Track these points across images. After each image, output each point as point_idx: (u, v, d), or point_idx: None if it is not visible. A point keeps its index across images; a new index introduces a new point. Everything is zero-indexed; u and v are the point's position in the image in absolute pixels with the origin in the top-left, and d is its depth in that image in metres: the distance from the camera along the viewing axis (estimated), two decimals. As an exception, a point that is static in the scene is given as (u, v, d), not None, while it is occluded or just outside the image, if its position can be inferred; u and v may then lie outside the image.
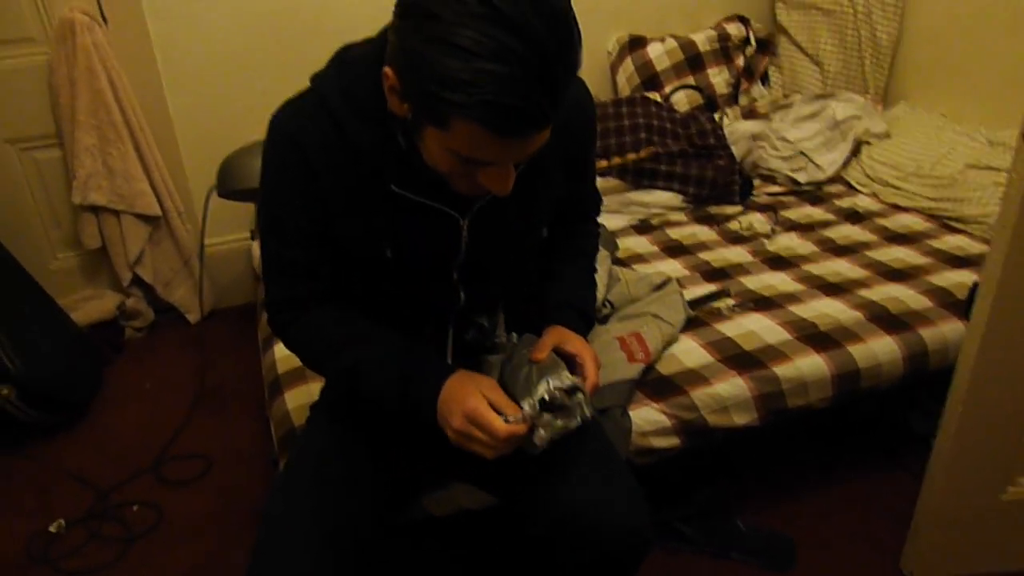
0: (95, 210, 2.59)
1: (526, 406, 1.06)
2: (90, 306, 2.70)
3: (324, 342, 1.20)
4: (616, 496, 1.18)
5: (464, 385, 1.09)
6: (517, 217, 1.18)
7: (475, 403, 1.06)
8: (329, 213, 1.11)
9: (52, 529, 1.93)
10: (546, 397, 1.06)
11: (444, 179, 1.03)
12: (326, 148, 1.08)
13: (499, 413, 1.05)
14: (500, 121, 0.88)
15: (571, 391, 1.08)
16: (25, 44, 2.44)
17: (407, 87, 0.92)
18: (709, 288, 2.05)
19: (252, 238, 2.73)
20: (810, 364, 1.73)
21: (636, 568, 1.21)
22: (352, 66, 1.07)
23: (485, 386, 1.09)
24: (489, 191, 1.01)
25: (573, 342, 1.19)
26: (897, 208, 2.50)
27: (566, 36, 0.89)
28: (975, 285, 1.58)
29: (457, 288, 1.20)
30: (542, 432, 1.06)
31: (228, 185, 2.20)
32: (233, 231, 2.84)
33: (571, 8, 0.91)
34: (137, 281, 2.74)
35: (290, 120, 1.10)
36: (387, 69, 0.95)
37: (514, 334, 1.28)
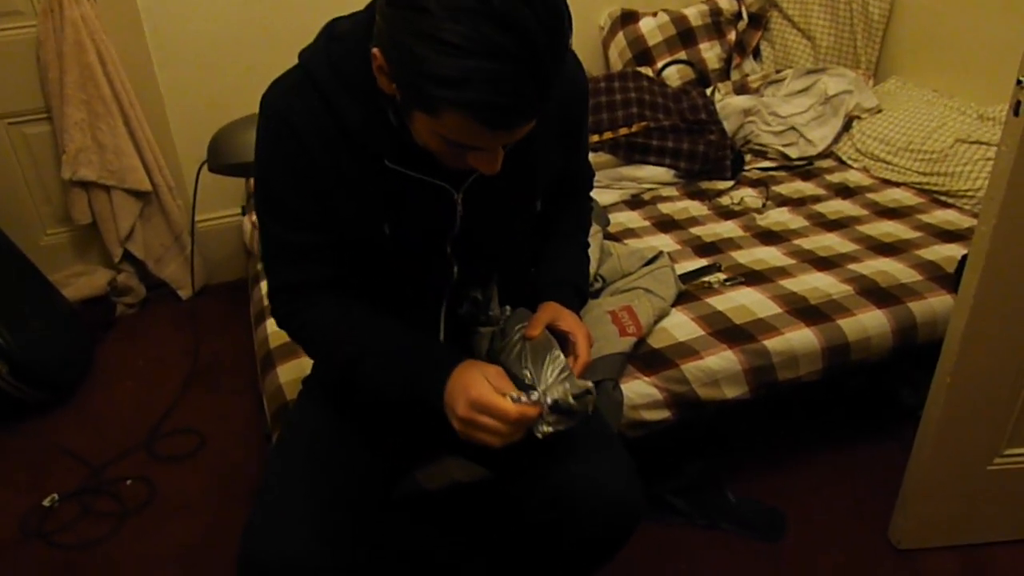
0: (85, 185, 2.58)
1: (535, 397, 1.06)
2: (81, 282, 2.69)
3: (327, 337, 1.19)
4: (609, 470, 1.19)
5: (470, 374, 1.08)
6: (511, 190, 1.17)
7: (480, 390, 1.05)
8: (325, 191, 1.10)
9: (45, 503, 1.94)
10: (559, 400, 1.05)
11: (436, 158, 1.03)
12: (317, 126, 1.07)
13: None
14: (490, 116, 0.88)
15: (585, 394, 1.07)
16: (12, 18, 2.41)
17: (396, 74, 0.92)
18: (700, 262, 2.05)
19: (243, 213, 2.72)
20: (800, 337, 1.74)
21: (625, 541, 1.22)
22: (340, 41, 1.06)
23: (491, 374, 1.08)
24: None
25: (567, 319, 1.19)
26: (887, 183, 2.51)
27: (557, 26, 0.88)
28: (963, 258, 1.59)
29: (451, 262, 1.20)
30: (546, 428, 1.06)
31: (219, 160, 2.20)
32: (224, 206, 2.83)
33: None
34: (128, 257, 2.74)
35: (280, 98, 1.09)
36: (375, 50, 0.94)
37: (507, 307, 1.28)
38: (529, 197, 1.24)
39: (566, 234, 1.38)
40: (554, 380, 1.08)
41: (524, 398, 1.05)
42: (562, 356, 1.10)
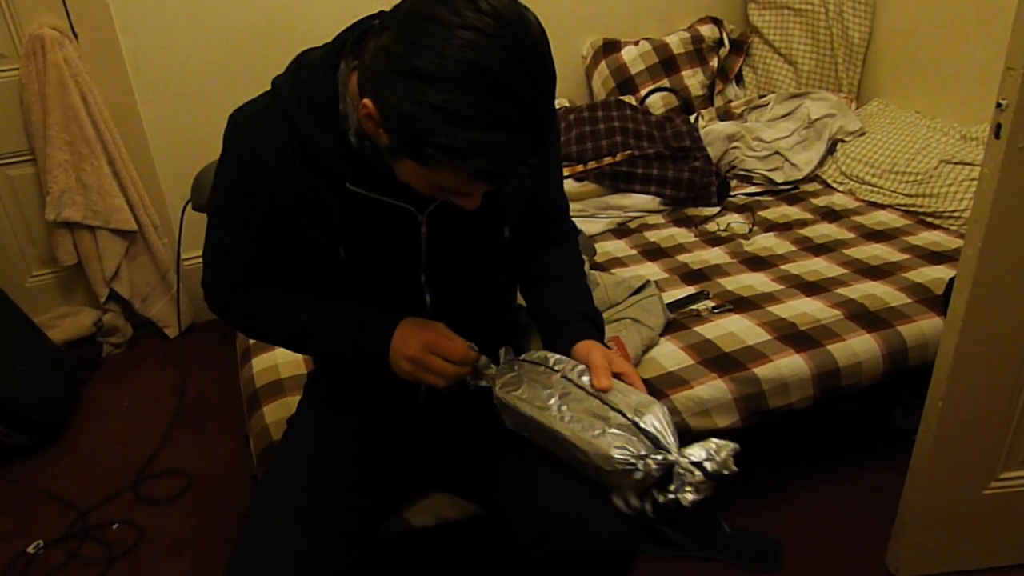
0: (70, 226, 2.56)
1: (678, 460, 1.01)
2: (67, 323, 2.66)
3: (269, 311, 1.23)
4: (602, 503, 1.16)
5: (420, 323, 1.16)
6: (480, 219, 1.15)
7: (433, 334, 1.14)
8: (282, 212, 1.13)
9: (31, 550, 1.90)
10: (713, 470, 1.00)
11: (398, 180, 1.04)
12: (280, 149, 1.09)
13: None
14: (490, 177, 0.94)
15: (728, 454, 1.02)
16: (-5, 61, 2.41)
17: (392, 129, 0.93)
18: (688, 290, 2.05)
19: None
20: (790, 364, 1.73)
21: (626, 574, 1.20)
22: (309, 68, 1.09)
23: (440, 328, 1.16)
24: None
25: (619, 362, 1.17)
26: (874, 205, 2.52)
27: (550, 86, 0.93)
28: (951, 280, 1.59)
29: (423, 291, 1.21)
30: (691, 495, 1.00)
31: (203, 198, 2.19)
32: (210, 244, 2.81)
33: (546, 41, 0.92)
34: (114, 297, 2.71)
35: (247, 120, 1.12)
36: (366, 101, 0.94)
37: (507, 348, 1.23)
38: (497, 221, 1.22)
39: (566, 278, 1.36)
40: (690, 444, 1.03)
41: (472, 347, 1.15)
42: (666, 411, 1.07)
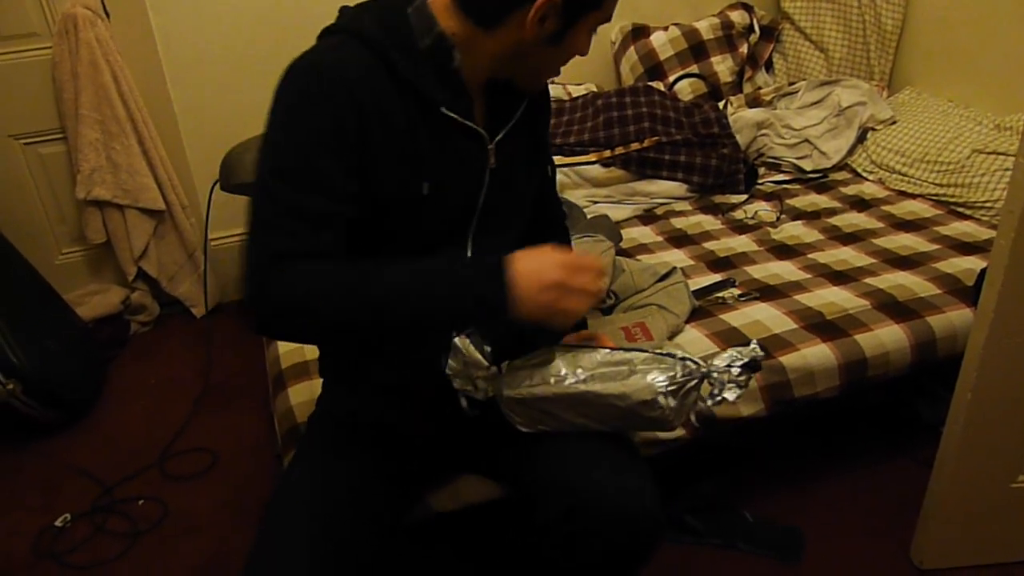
0: (99, 205, 2.59)
1: (710, 370, 1.10)
2: (95, 301, 2.70)
3: (348, 278, 1.04)
4: (629, 482, 1.16)
5: (529, 252, 1.06)
6: (526, 149, 1.27)
7: (558, 254, 1.06)
8: (371, 153, 1.07)
9: (58, 524, 1.94)
10: (749, 358, 1.10)
11: (474, 109, 1.15)
12: (371, 84, 1.05)
13: None
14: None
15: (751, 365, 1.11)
16: (29, 39, 2.43)
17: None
18: (714, 278, 2.03)
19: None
20: (817, 353, 1.71)
21: (649, 557, 1.20)
22: (376, 5, 1.12)
23: (550, 247, 1.08)
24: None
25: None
26: (904, 195, 2.49)
27: None
28: (982, 271, 1.57)
29: (467, 243, 1.21)
30: (734, 392, 1.09)
31: (231, 179, 2.20)
32: (237, 224, 2.83)
33: None
34: (142, 275, 2.74)
35: (336, 64, 1.05)
36: (539, 4, 1.05)
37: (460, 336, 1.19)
38: (541, 160, 1.35)
39: None
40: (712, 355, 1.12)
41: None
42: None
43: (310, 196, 1.04)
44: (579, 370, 1.13)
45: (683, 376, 1.09)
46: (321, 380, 1.42)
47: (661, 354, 1.12)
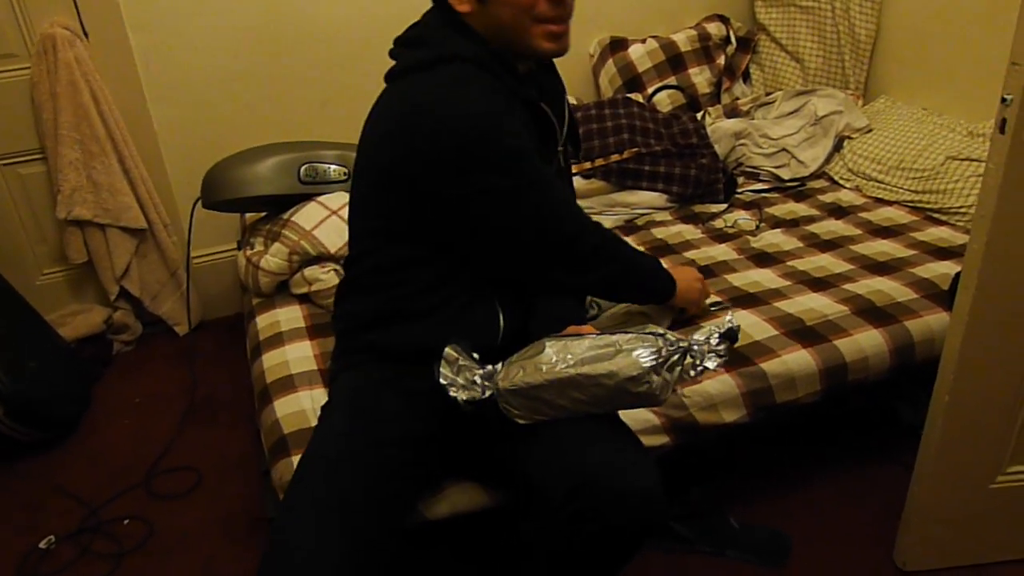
0: (80, 224, 2.58)
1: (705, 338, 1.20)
2: (78, 321, 2.68)
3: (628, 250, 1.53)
4: (629, 461, 1.20)
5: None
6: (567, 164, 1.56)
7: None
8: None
9: (42, 546, 1.92)
10: (727, 329, 1.21)
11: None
12: (506, 101, 1.29)
13: None
14: None
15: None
16: (7, 60, 2.43)
17: None
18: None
19: (239, 248, 2.72)
20: (797, 359, 1.73)
21: (646, 536, 1.22)
22: (459, 35, 1.30)
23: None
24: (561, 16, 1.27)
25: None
26: (880, 201, 2.52)
27: None
28: (957, 275, 1.59)
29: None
30: (716, 361, 1.19)
31: (212, 196, 2.20)
32: (219, 242, 2.83)
33: None
34: (124, 294, 2.73)
35: (482, 100, 1.25)
36: (465, 8, 1.27)
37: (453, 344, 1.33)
38: (574, 148, 1.57)
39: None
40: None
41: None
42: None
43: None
44: (568, 356, 1.20)
45: (666, 351, 1.17)
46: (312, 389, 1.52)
47: (644, 333, 1.20)
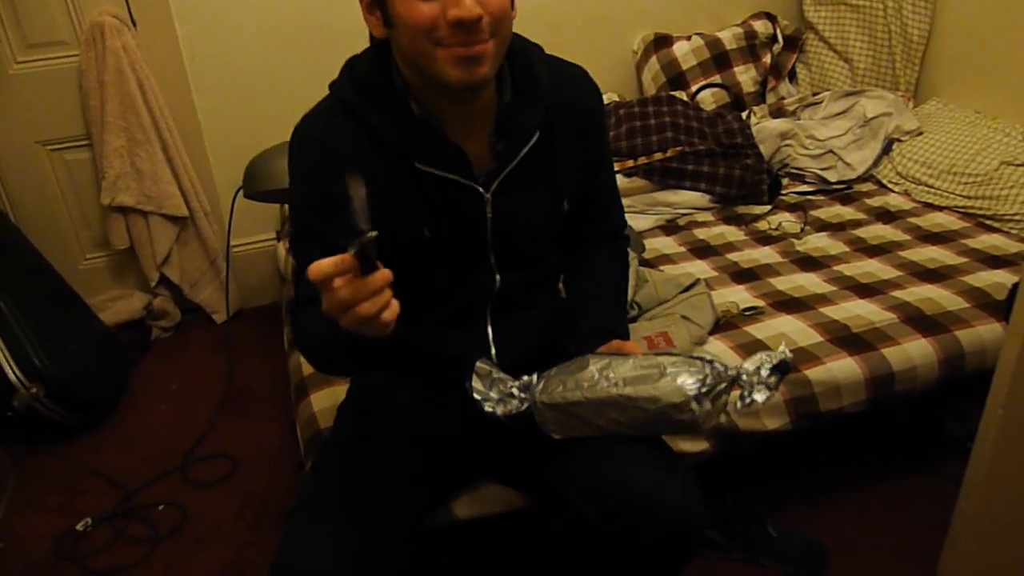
0: (123, 211, 2.61)
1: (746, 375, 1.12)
2: (118, 306, 2.72)
3: (314, 334, 1.15)
4: (672, 482, 1.16)
5: None
6: (540, 194, 1.22)
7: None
8: None
9: (79, 528, 1.94)
10: (776, 362, 1.11)
11: (463, 157, 1.12)
12: (348, 142, 1.12)
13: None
14: None
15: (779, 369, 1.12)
16: (57, 47, 2.46)
17: None
18: (737, 289, 2.03)
19: (278, 239, 2.74)
20: (843, 367, 1.69)
21: (690, 557, 1.19)
22: (358, 62, 1.16)
23: None
24: (475, 78, 1.06)
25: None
26: (930, 207, 2.46)
27: None
28: (1015, 286, 1.54)
29: (493, 271, 1.23)
30: (762, 394, 1.10)
31: (254, 186, 2.21)
32: (259, 232, 2.85)
33: None
34: (164, 281, 2.76)
35: (311, 124, 1.15)
36: (365, 16, 1.10)
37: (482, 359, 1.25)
38: (556, 197, 1.26)
39: (607, 286, 1.40)
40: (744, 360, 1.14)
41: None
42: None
43: (312, 247, 1.09)
44: (611, 375, 1.15)
45: (713, 379, 1.11)
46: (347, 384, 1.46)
47: (692, 357, 1.14)
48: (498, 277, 1.23)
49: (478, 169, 1.16)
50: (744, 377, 1.11)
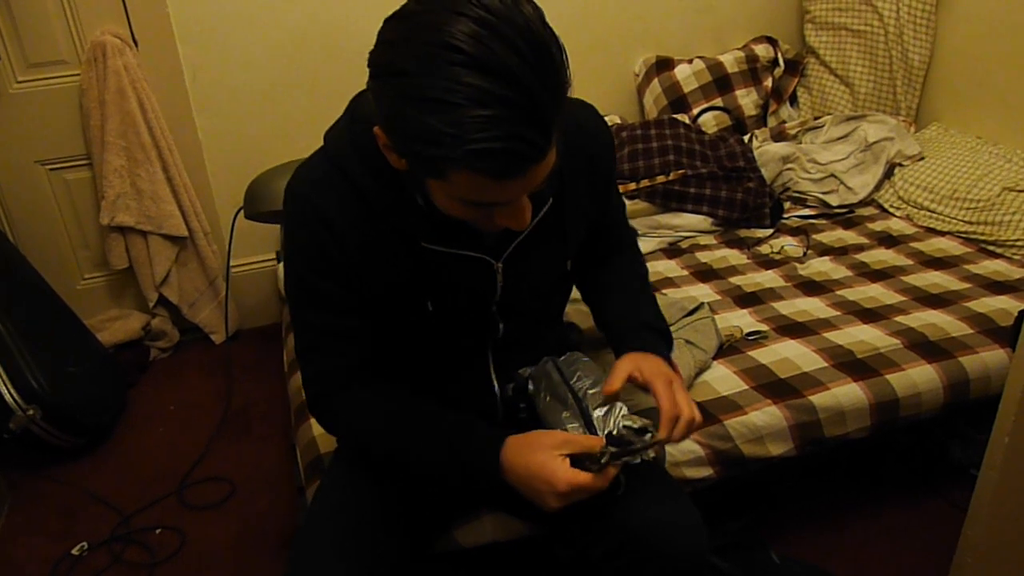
0: (123, 231, 2.60)
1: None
2: (116, 326, 2.70)
3: (367, 427, 1.17)
4: (678, 517, 1.15)
5: (529, 454, 1.05)
6: (548, 252, 1.18)
7: (559, 474, 1.02)
8: (361, 278, 1.09)
9: (75, 552, 1.92)
10: (613, 432, 1.10)
11: (469, 224, 1.02)
12: (351, 216, 1.05)
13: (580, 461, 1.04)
14: (494, 165, 0.84)
15: (641, 432, 1.10)
16: (58, 67, 2.45)
17: (397, 146, 0.90)
18: (741, 313, 2.02)
19: (277, 260, 2.73)
20: (847, 393, 1.68)
21: None
22: (363, 124, 1.01)
23: (553, 443, 1.05)
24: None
25: (646, 369, 1.15)
26: (932, 231, 2.46)
27: (544, 59, 0.83)
28: (1022, 312, 1.53)
29: (496, 320, 1.20)
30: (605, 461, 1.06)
31: (255, 207, 2.20)
32: (259, 252, 2.84)
33: (543, 24, 0.84)
34: (163, 301, 2.74)
35: (309, 189, 1.07)
36: (376, 129, 0.93)
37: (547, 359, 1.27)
38: (563, 257, 1.24)
39: (631, 288, 1.36)
40: (605, 415, 1.13)
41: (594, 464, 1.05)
42: (639, 418, 1.13)
43: (325, 316, 1.11)
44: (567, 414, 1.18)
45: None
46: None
47: (590, 417, 1.15)
48: (501, 325, 1.21)
49: (488, 238, 1.10)
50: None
